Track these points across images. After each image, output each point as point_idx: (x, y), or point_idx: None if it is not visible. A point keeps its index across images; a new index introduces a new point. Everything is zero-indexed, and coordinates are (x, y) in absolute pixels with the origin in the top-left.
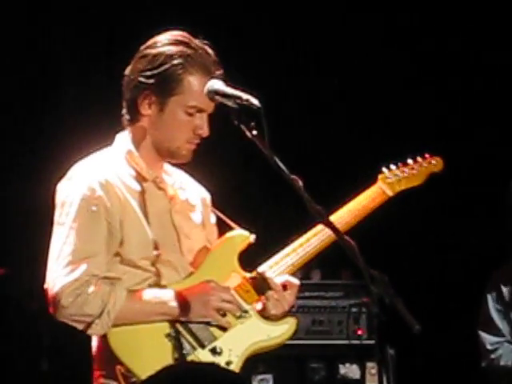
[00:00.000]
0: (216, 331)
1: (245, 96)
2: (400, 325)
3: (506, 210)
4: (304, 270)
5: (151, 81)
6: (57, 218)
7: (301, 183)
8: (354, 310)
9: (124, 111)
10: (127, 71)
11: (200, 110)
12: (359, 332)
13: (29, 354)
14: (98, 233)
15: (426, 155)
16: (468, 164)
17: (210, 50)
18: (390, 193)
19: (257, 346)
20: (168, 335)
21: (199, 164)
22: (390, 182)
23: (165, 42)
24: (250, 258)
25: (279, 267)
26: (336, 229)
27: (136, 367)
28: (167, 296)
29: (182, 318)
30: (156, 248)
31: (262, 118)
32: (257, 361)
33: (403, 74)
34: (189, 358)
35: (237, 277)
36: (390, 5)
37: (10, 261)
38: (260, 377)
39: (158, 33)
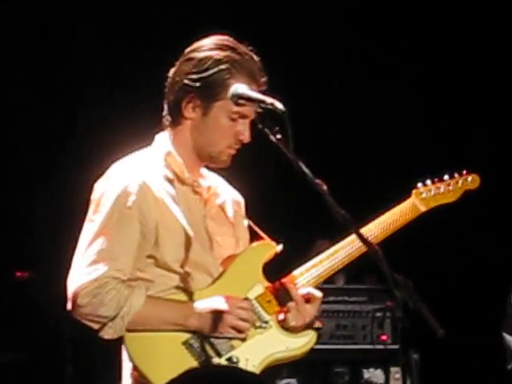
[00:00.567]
0: (234, 341)
1: (269, 100)
2: (424, 329)
3: None
4: None
5: (197, 84)
6: (89, 215)
7: (325, 187)
8: (378, 314)
9: (165, 112)
10: (171, 73)
11: (243, 116)
12: (383, 337)
13: (53, 358)
14: (127, 235)
15: (463, 172)
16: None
17: (255, 57)
18: (423, 208)
19: (274, 357)
20: (185, 343)
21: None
22: (423, 197)
23: (211, 46)
24: (275, 268)
25: (304, 278)
26: (360, 232)
27: (151, 374)
28: (185, 309)
29: (198, 331)
30: (191, 252)
31: (286, 122)
32: (281, 365)
33: (444, 87)
34: None
35: (259, 286)
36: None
37: (34, 264)
38: (284, 381)
39: (203, 36)
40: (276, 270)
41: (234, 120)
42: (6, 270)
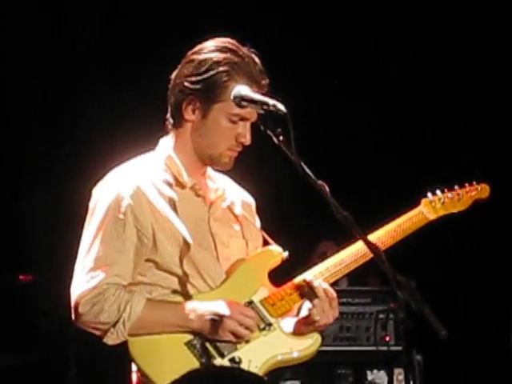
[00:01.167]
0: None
1: (271, 101)
2: (427, 330)
3: None
4: None
5: (196, 86)
6: (86, 223)
7: (327, 189)
8: (381, 316)
9: (168, 115)
10: (173, 75)
11: (243, 119)
12: (387, 338)
13: (56, 361)
14: (123, 241)
15: (473, 182)
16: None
17: (256, 59)
18: (432, 216)
19: (277, 358)
20: (187, 343)
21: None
22: (433, 205)
23: (212, 48)
24: (280, 270)
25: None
26: (363, 234)
27: (155, 375)
28: (186, 310)
29: (199, 332)
30: (190, 255)
31: (288, 124)
32: (284, 368)
33: (451, 96)
34: None
35: (264, 290)
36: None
37: (38, 268)
38: (288, 383)
39: (205, 39)
40: (280, 271)
41: (234, 122)
42: (9, 274)
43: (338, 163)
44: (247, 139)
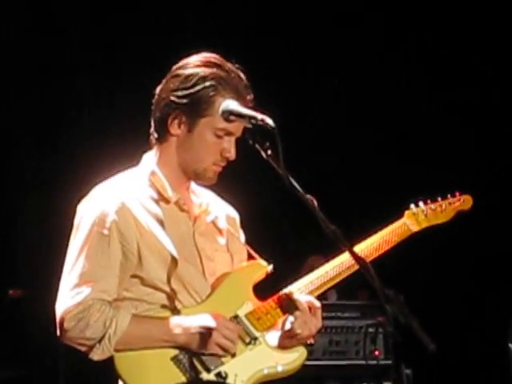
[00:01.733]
0: (223, 356)
1: (259, 116)
2: (416, 344)
3: None
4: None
5: (183, 101)
6: (71, 240)
7: (316, 203)
8: (370, 330)
9: (152, 129)
10: (158, 90)
11: (229, 133)
12: (376, 352)
13: (46, 375)
14: (108, 256)
15: (456, 193)
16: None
17: (241, 74)
18: (415, 228)
19: (264, 372)
20: (174, 358)
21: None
22: (416, 217)
23: (198, 63)
24: (267, 283)
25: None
26: (351, 248)
27: None
28: (171, 325)
29: (185, 347)
30: (176, 270)
31: (276, 138)
32: (273, 381)
33: (444, 103)
34: None
35: (249, 304)
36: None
37: (27, 282)
38: None
39: (190, 54)
40: (268, 285)
41: (219, 137)
42: None
43: (317, 175)
44: (232, 154)
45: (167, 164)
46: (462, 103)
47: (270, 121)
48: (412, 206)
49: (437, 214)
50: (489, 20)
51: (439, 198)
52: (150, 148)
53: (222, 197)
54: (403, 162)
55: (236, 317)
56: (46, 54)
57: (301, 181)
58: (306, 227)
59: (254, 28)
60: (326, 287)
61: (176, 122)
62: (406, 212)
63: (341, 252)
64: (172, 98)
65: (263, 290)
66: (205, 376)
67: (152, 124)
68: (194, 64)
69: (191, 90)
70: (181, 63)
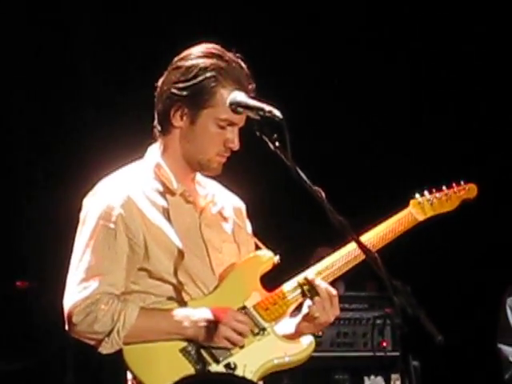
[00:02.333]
0: (232, 347)
1: (267, 107)
2: (424, 336)
3: None
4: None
5: (184, 93)
6: (77, 234)
7: (323, 194)
8: (378, 321)
9: (155, 122)
10: (160, 82)
11: (231, 124)
12: (384, 344)
13: (53, 367)
14: (114, 250)
15: (461, 182)
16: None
17: (243, 64)
18: (421, 217)
19: (273, 363)
20: (182, 350)
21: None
22: (421, 206)
23: (198, 54)
24: (274, 275)
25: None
26: (358, 239)
27: (150, 382)
28: (180, 318)
29: (193, 339)
30: (183, 262)
31: (284, 130)
32: (281, 373)
33: (447, 97)
34: None
35: (257, 295)
36: None
37: (34, 274)
38: None
39: (192, 45)
40: (275, 276)
41: (222, 127)
42: (6, 280)
43: (323, 165)
44: (236, 144)
45: (171, 156)
46: (464, 92)
47: (277, 112)
48: (417, 195)
49: (442, 203)
50: (488, 14)
51: (444, 187)
52: (154, 140)
53: (228, 187)
54: (408, 151)
55: (244, 308)
56: (47, 49)
57: (306, 171)
58: (312, 218)
59: (254, 18)
60: (332, 278)
61: (178, 113)
62: (411, 201)
63: (347, 242)
64: (174, 90)
65: (270, 280)
66: (214, 367)
67: (155, 116)
68: (195, 55)
69: (192, 82)
70: (181, 55)
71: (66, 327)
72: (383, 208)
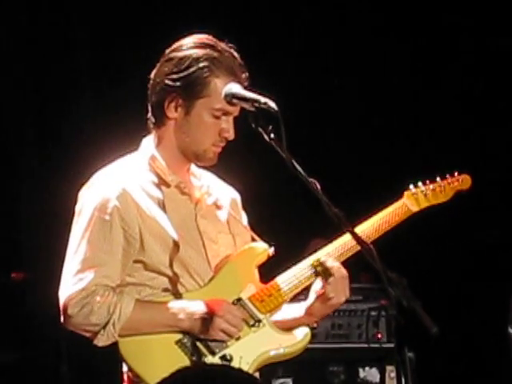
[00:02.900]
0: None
1: (263, 99)
2: (419, 327)
3: None
4: None
5: (178, 83)
6: (73, 226)
7: (319, 186)
8: (373, 313)
9: (149, 115)
10: (153, 74)
11: (226, 113)
12: (378, 335)
13: (48, 358)
14: (110, 242)
15: (455, 173)
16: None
17: (235, 53)
18: (415, 208)
19: (268, 354)
20: (178, 342)
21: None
22: (415, 197)
23: (191, 45)
24: (268, 267)
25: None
26: (354, 231)
27: (146, 374)
28: (175, 310)
29: (188, 331)
30: (178, 254)
31: (279, 122)
32: (276, 365)
33: (436, 87)
34: None
35: (252, 287)
36: None
37: (30, 265)
38: (280, 380)
39: (184, 36)
40: (270, 268)
41: (217, 117)
42: (1, 271)
43: (317, 157)
44: (231, 134)
45: (166, 148)
46: (460, 84)
47: (273, 104)
48: (411, 186)
49: (436, 194)
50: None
51: (438, 178)
52: (149, 133)
53: (223, 178)
54: (402, 142)
55: (239, 299)
56: (46, 40)
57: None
58: (308, 210)
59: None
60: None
61: (173, 105)
62: (406, 193)
63: (342, 234)
64: (167, 82)
65: (265, 272)
66: (210, 359)
67: (149, 109)
68: (187, 46)
69: (185, 73)
70: (173, 46)
71: (62, 319)
72: (377, 200)
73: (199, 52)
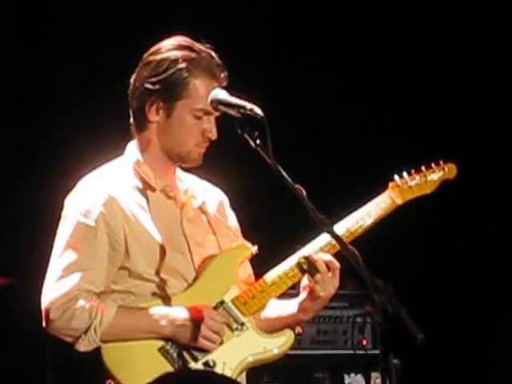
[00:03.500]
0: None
1: (248, 105)
2: (405, 334)
3: None
4: None
5: (157, 86)
6: (58, 232)
7: (304, 192)
8: (358, 320)
9: (131, 120)
10: (132, 79)
11: (207, 113)
12: (364, 342)
13: (33, 366)
14: (95, 248)
15: (440, 162)
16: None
17: (213, 53)
18: (399, 201)
19: (252, 358)
20: (161, 349)
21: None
22: (400, 190)
23: (168, 47)
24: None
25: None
26: (340, 238)
27: (128, 381)
28: (157, 316)
29: (171, 338)
30: (165, 259)
31: (265, 128)
32: (262, 370)
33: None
34: None
35: (235, 289)
36: None
37: (15, 271)
38: None
39: (161, 39)
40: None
41: (198, 118)
42: None
43: (300, 149)
44: (213, 134)
45: (151, 152)
46: (445, 70)
47: (259, 110)
48: (396, 177)
49: (421, 185)
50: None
51: (423, 167)
52: (132, 139)
53: (208, 179)
54: (386, 131)
55: (222, 302)
56: (33, 44)
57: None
58: (293, 215)
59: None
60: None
61: (154, 108)
62: (390, 184)
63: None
64: (147, 86)
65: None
66: (193, 365)
67: (131, 114)
68: (165, 49)
69: (164, 75)
70: (151, 50)
71: (44, 324)
72: (361, 192)
73: (177, 54)
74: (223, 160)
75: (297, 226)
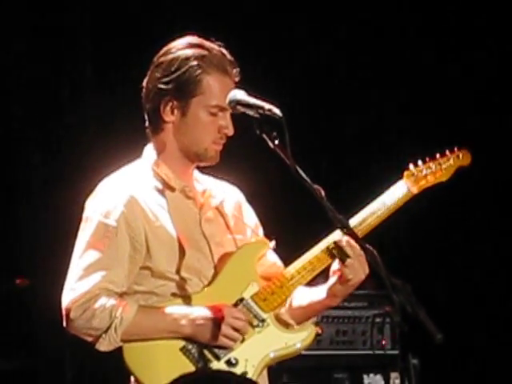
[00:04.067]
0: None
1: (267, 106)
2: (423, 334)
3: None
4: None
5: (170, 86)
6: (79, 232)
7: (323, 193)
8: (377, 320)
9: (147, 123)
10: (144, 82)
11: (222, 109)
12: (383, 342)
13: (53, 365)
14: (115, 248)
15: (455, 148)
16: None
17: (224, 50)
18: (415, 190)
19: (274, 354)
20: (183, 349)
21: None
22: (415, 178)
23: (179, 47)
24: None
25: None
26: (358, 238)
27: (150, 381)
28: (178, 316)
29: (191, 338)
30: (185, 259)
31: (284, 128)
32: (281, 371)
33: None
34: None
35: (254, 285)
36: None
37: (35, 271)
38: None
39: (171, 40)
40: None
41: (213, 114)
42: (5, 277)
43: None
44: (230, 130)
45: (168, 153)
46: (463, 57)
47: (277, 110)
48: (411, 166)
49: (436, 173)
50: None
51: (438, 155)
52: (149, 142)
53: (224, 177)
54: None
55: (242, 299)
56: (45, 53)
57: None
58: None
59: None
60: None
61: (168, 108)
62: (405, 173)
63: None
64: (160, 86)
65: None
66: (215, 364)
67: (146, 117)
68: (175, 48)
69: (177, 74)
70: (162, 51)
71: (64, 323)
72: (376, 181)
73: (188, 52)
74: (238, 159)
75: (315, 221)
